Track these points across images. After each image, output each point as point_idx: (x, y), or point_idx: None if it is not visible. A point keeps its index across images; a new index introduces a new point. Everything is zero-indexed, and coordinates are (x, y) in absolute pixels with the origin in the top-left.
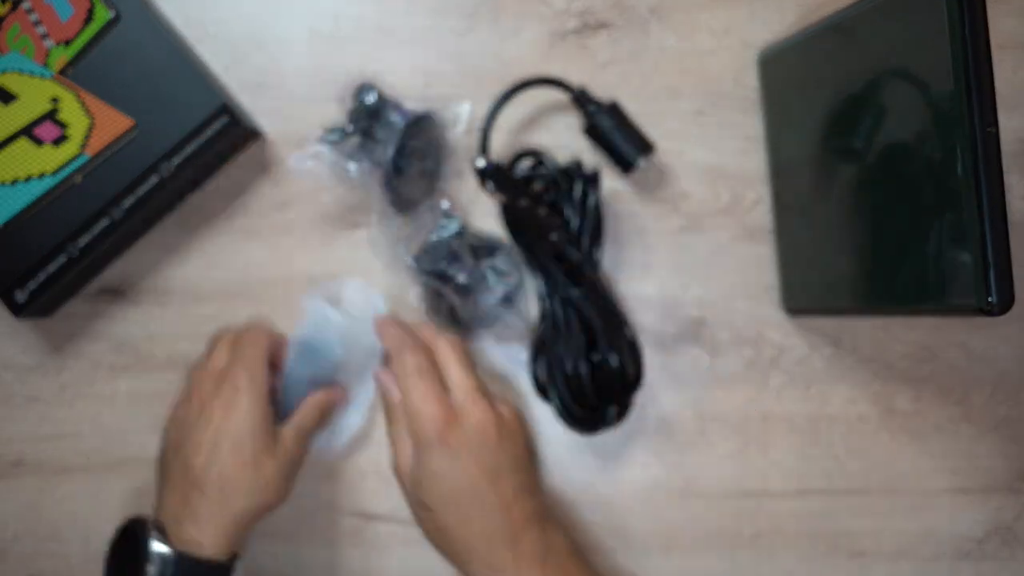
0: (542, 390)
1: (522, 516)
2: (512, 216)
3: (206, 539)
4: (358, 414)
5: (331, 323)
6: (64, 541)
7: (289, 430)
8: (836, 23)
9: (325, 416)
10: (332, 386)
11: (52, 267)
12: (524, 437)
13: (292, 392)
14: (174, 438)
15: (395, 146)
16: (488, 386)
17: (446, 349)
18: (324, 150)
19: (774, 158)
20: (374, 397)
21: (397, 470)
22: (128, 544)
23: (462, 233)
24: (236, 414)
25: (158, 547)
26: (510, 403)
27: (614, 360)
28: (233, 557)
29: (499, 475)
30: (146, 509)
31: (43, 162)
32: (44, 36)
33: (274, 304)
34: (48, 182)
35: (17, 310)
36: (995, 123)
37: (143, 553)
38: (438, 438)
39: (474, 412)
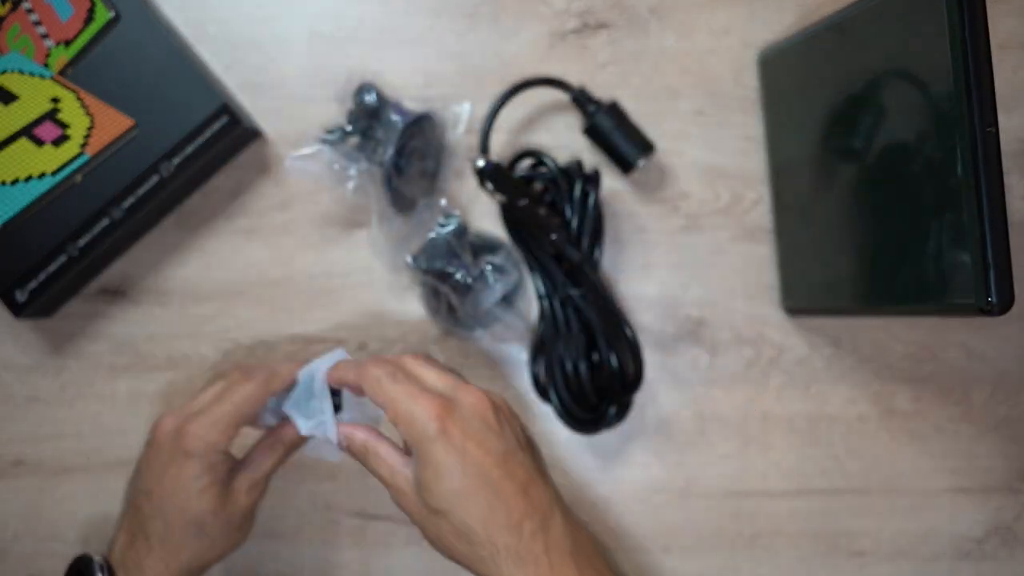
0: (542, 390)
1: (542, 500)
2: (512, 216)
3: None
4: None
5: (325, 415)
6: (64, 541)
7: (243, 480)
8: (836, 23)
9: (288, 453)
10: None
11: (52, 267)
12: (520, 418)
13: (274, 419)
14: (138, 466)
15: (395, 146)
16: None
17: (411, 360)
18: (324, 150)
19: (774, 158)
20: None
21: (398, 498)
22: None
23: (462, 232)
24: (185, 478)
25: None
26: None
27: (614, 360)
28: None
29: (508, 459)
30: None
31: (43, 162)
32: (44, 36)
33: (274, 304)
34: (48, 182)
35: (17, 310)
36: (995, 123)
37: None
38: (438, 431)
39: (466, 398)
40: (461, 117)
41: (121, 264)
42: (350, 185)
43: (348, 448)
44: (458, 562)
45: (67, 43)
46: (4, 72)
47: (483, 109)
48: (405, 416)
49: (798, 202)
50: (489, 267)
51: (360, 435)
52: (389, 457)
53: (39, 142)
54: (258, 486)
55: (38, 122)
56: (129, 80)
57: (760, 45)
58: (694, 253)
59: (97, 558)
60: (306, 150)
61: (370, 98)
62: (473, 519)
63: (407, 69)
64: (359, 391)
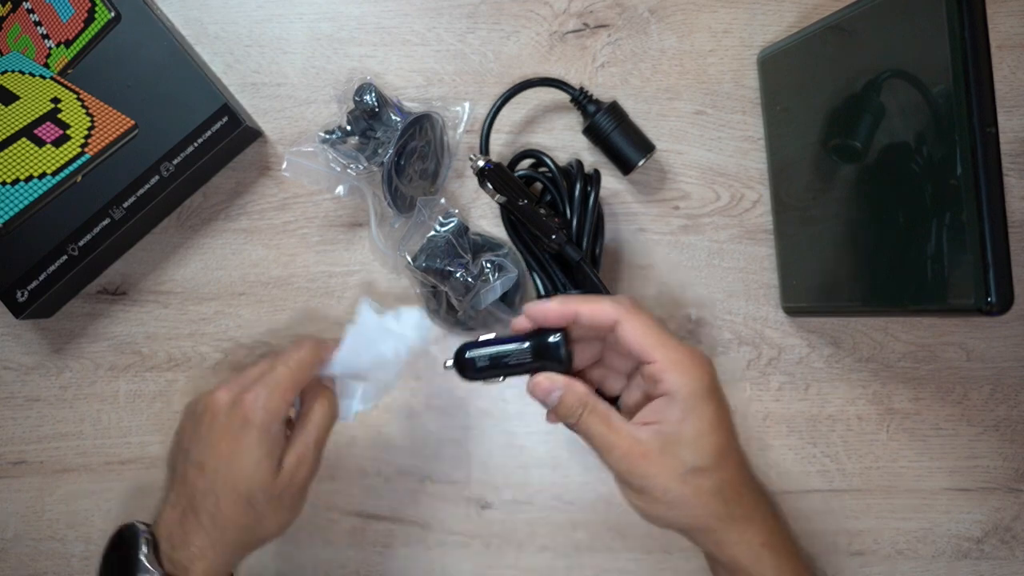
0: None
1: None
2: (512, 216)
3: (195, 568)
4: (362, 402)
5: (378, 326)
6: (64, 541)
7: (291, 456)
8: (835, 23)
9: (332, 405)
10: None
11: (52, 267)
12: None
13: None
14: (185, 437)
15: (395, 146)
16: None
17: (623, 301)
18: (323, 149)
19: (774, 158)
20: (384, 393)
21: (633, 459)
22: (120, 555)
23: (461, 232)
24: (240, 449)
25: (147, 568)
26: None
27: None
28: None
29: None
30: (147, 509)
31: (44, 162)
32: (45, 36)
33: (274, 304)
34: (49, 182)
35: (18, 310)
36: (995, 123)
37: (133, 570)
38: (713, 386)
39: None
40: (461, 117)
41: (121, 264)
42: (343, 187)
43: (559, 401)
44: (692, 528)
45: (68, 43)
46: (5, 72)
47: (483, 109)
48: (680, 366)
49: (798, 202)
50: (489, 266)
51: (580, 387)
52: (613, 415)
53: (40, 142)
54: (306, 460)
55: (39, 122)
56: (129, 80)
57: (760, 45)
58: (694, 253)
59: (142, 528)
60: (305, 147)
61: (370, 98)
62: (734, 475)
63: (407, 69)
64: (604, 329)
